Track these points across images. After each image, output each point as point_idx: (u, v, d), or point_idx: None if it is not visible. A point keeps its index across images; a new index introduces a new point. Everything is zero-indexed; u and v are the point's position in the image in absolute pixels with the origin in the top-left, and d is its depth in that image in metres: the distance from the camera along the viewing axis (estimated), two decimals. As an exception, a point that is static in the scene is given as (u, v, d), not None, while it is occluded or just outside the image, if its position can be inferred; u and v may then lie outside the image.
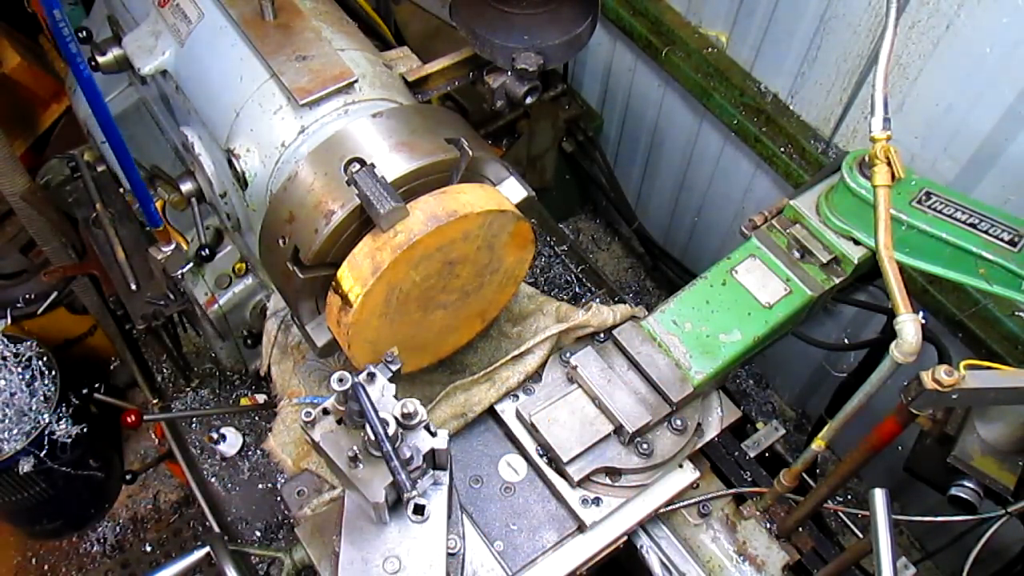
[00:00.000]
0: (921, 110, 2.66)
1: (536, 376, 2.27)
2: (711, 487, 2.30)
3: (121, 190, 3.05)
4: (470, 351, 2.44)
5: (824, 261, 2.17)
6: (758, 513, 2.24)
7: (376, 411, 1.54)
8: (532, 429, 2.12)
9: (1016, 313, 2.67)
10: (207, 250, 2.55)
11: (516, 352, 2.28)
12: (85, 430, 3.63)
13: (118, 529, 4.26)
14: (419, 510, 1.75)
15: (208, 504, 2.89)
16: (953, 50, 2.48)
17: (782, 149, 3.19)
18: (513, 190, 2.17)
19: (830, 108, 3.05)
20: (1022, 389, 1.54)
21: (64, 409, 3.58)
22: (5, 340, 3.58)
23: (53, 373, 3.61)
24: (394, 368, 1.69)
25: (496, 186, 2.15)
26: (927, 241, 1.97)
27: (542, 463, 2.12)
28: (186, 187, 2.33)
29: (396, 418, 1.60)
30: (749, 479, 2.31)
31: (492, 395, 2.23)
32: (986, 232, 1.93)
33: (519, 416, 2.18)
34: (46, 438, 3.49)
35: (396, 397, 1.65)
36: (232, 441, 2.97)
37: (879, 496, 1.55)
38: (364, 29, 2.48)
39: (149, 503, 4.32)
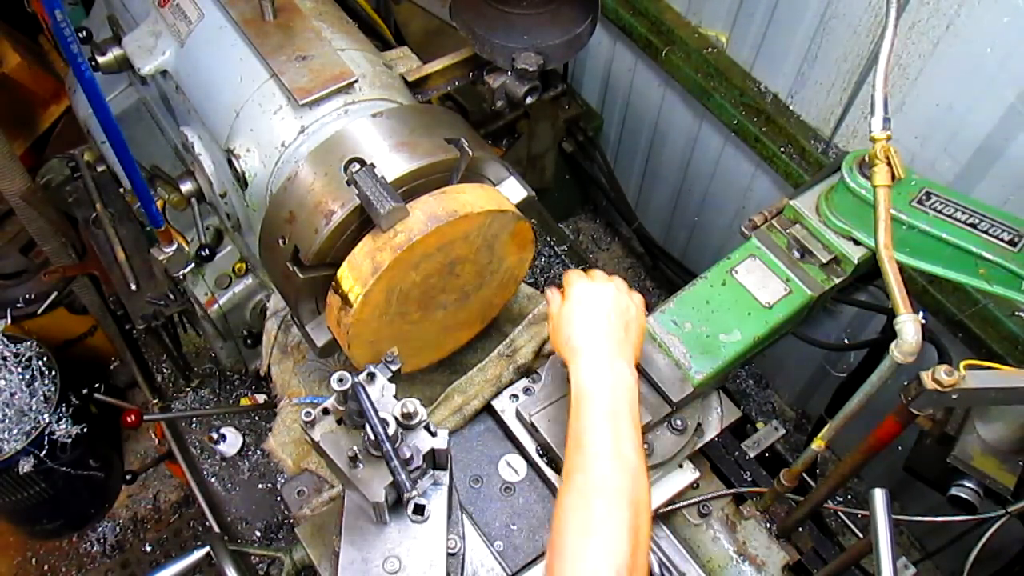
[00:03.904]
0: (921, 110, 2.66)
1: (536, 376, 2.27)
2: (711, 487, 2.30)
3: (121, 190, 3.06)
4: (470, 351, 2.44)
5: (824, 261, 2.16)
6: (758, 513, 2.24)
7: (376, 411, 1.54)
8: (532, 429, 2.11)
9: (1016, 313, 2.66)
10: (207, 250, 2.55)
11: (504, 346, 2.29)
12: (85, 430, 3.63)
13: (118, 529, 4.26)
14: (419, 510, 1.75)
15: (208, 504, 2.89)
16: (953, 50, 2.48)
17: (782, 149, 3.19)
18: (513, 190, 2.17)
19: (830, 108, 3.05)
20: (1022, 389, 1.54)
21: (64, 409, 3.58)
22: (5, 340, 3.58)
23: (53, 373, 3.61)
24: (394, 368, 1.69)
25: (496, 186, 2.15)
26: (927, 241, 1.96)
27: (542, 463, 2.12)
28: (186, 187, 2.33)
29: (396, 418, 1.59)
30: (749, 479, 2.31)
31: (488, 390, 2.23)
32: (986, 232, 1.93)
33: (519, 416, 2.18)
34: (46, 438, 3.49)
35: (396, 397, 1.65)
36: (232, 441, 2.97)
37: (879, 496, 1.55)
38: (364, 29, 2.48)
39: (149, 503, 4.32)
